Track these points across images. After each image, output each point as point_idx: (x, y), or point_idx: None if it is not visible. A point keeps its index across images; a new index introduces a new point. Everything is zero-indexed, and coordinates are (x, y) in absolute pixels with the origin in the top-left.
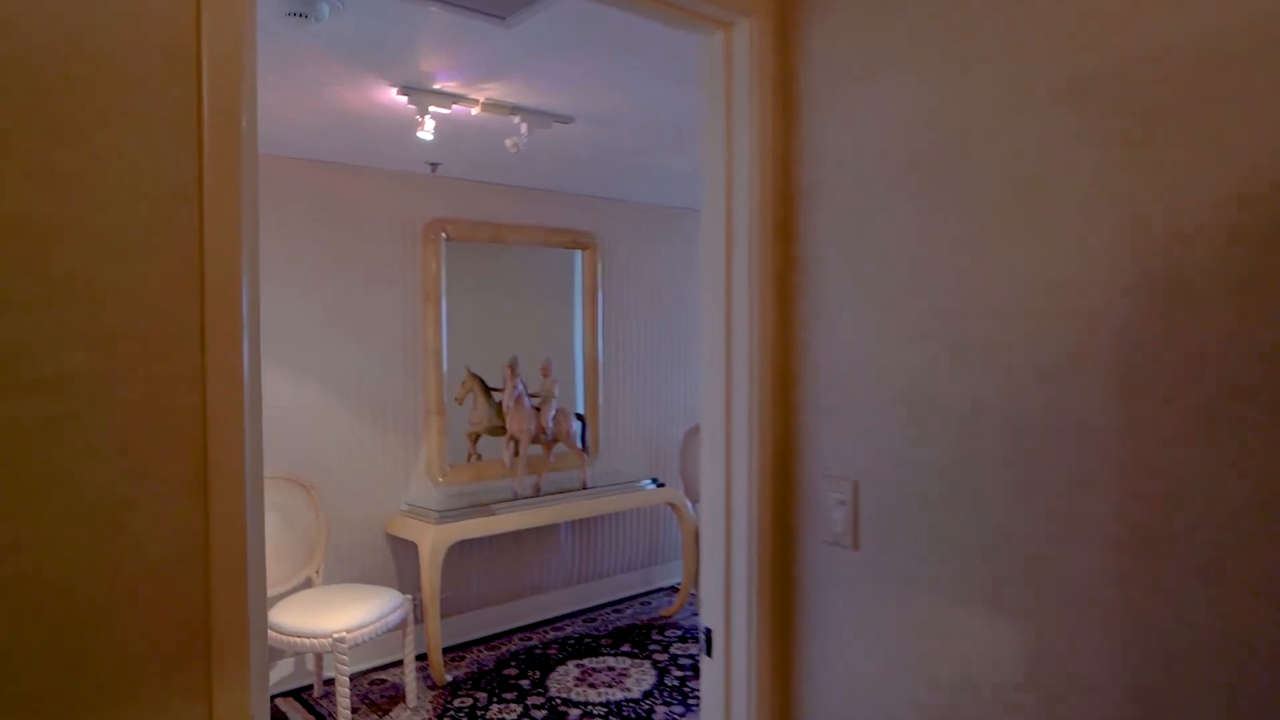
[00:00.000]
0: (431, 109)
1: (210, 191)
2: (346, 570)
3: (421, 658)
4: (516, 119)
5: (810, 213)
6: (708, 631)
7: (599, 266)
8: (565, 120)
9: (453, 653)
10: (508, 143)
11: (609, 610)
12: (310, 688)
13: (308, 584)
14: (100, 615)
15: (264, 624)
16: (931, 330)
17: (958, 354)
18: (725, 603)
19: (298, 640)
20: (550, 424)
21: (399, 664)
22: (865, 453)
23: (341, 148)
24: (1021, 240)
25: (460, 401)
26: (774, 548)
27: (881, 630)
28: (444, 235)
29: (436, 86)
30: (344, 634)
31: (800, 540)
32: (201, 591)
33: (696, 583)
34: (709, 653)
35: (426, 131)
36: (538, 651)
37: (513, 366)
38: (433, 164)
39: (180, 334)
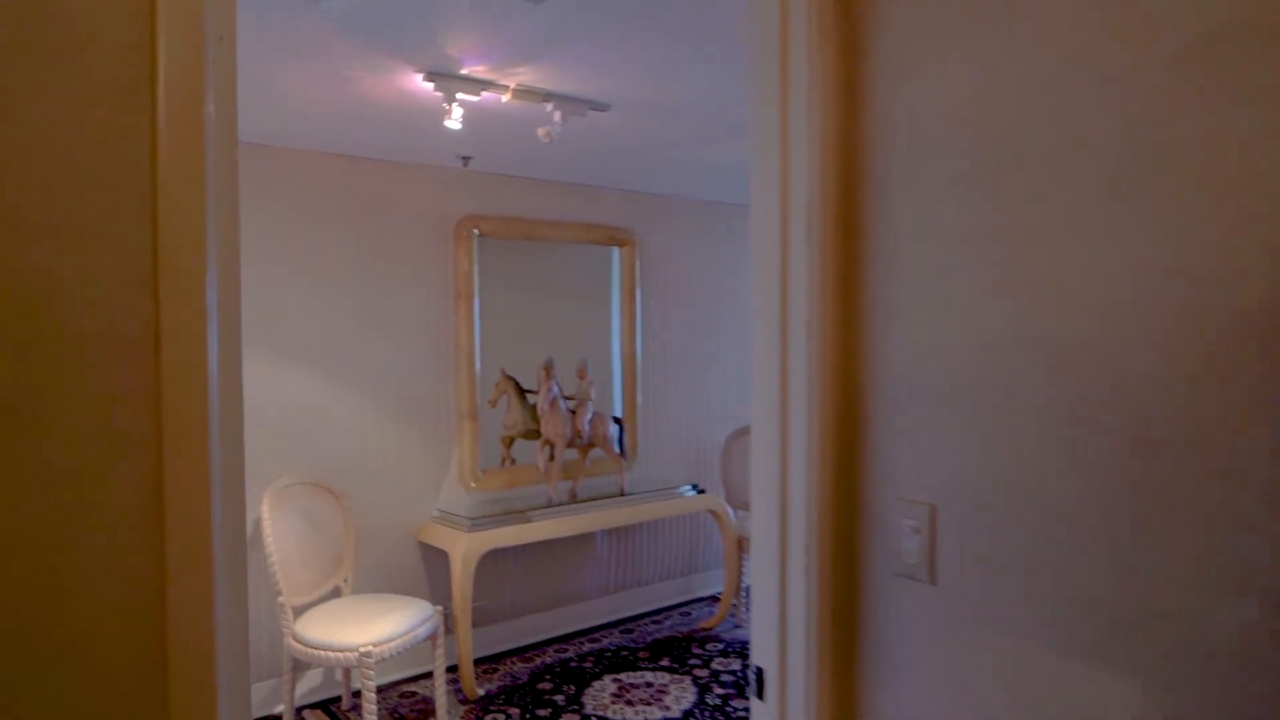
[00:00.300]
0: (459, 96)
1: (168, 171)
2: (376, 579)
3: (453, 669)
4: (549, 106)
5: (879, 200)
6: (759, 671)
7: (637, 264)
8: (601, 107)
9: (485, 664)
10: (540, 132)
11: (647, 621)
12: (339, 699)
13: (336, 593)
14: (28, 681)
15: (245, 682)
16: (1029, 333)
17: (1062, 361)
18: (780, 640)
19: (323, 654)
20: (586, 427)
21: (429, 675)
22: (946, 473)
23: (370, 141)
24: (1146, 225)
25: (493, 404)
26: (835, 579)
27: (961, 679)
28: (476, 232)
29: (464, 72)
30: (370, 648)
31: (866, 571)
32: (155, 652)
33: (738, 593)
34: (760, 695)
35: (454, 120)
36: (573, 664)
37: (548, 368)
38: (464, 158)
39: (128, 337)
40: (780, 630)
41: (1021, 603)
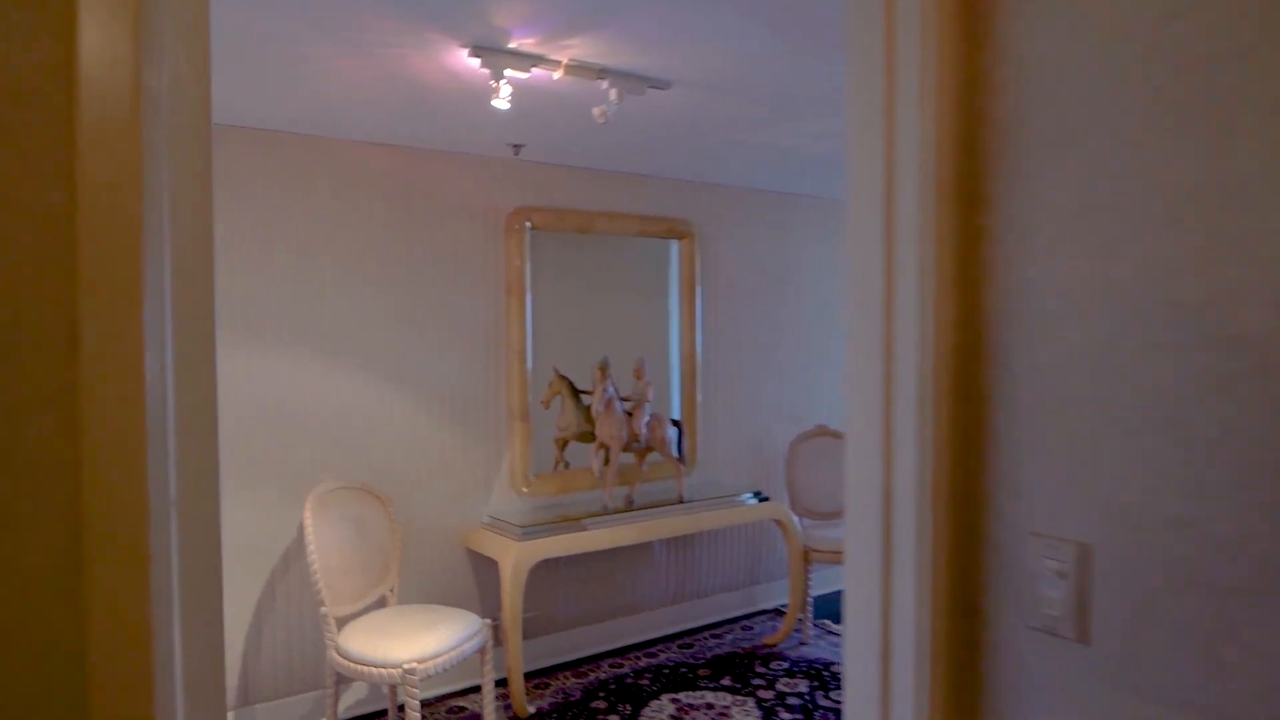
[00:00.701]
0: (508, 73)
1: (91, 134)
2: (423, 588)
3: (502, 683)
4: (605, 84)
5: (1009, 160)
6: None
7: (697, 258)
8: (661, 85)
9: (536, 679)
10: (595, 112)
11: (707, 635)
12: (384, 713)
13: (381, 603)
14: None
15: None
16: (1233, 329)
17: (1275, 367)
18: (882, 703)
19: (366, 669)
20: (644, 430)
21: (477, 690)
22: (1103, 505)
23: (416, 129)
24: None
25: (546, 405)
26: (950, 629)
27: None
28: (528, 225)
29: (512, 45)
30: (414, 665)
31: (991, 622)
32: None
33: (804, 608)
34: None
35: (502, 99)
36: (629, 681)
37: (603, 368)
38: (515, 146)
39: (36, 331)
40: (882, 691)
41: (1216, 676)
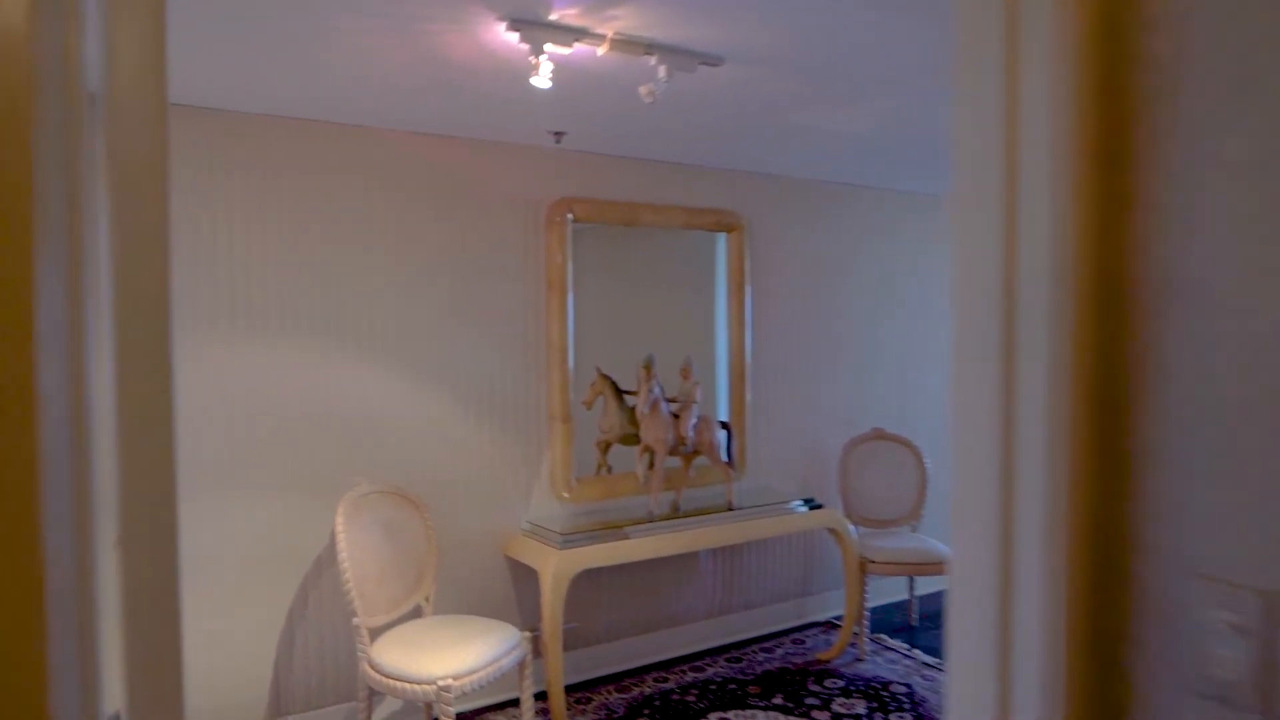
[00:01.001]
0: (548, 49)
1: None
2: (460, 597)
3: (541, 696)
4: (653, 60)
5: (1167, 109)
6: None
7: (746, 252)
8: (713, 62)
9: (577, 692)
10: (643, 91)
11: (756, 648)
12: None
13: (417, 613)
14: None
15: None
16: None
17: None
18: None
19: (399, 684)
20: (691, 433)
21: (516, 703)
22: None
23: (452, 116)
24: None
25: (589, 406)
26: (1085, 690)
27: None
28: (570, 217)
29: (553, 17)
30: (450, 681)
31: (1140, 684)
32: None
33: (860, 621)
34: None
35: (542, 77)
36: (675, 697)
37: (648, 367)
38: (556, 134)
39: None
40: None
41: None
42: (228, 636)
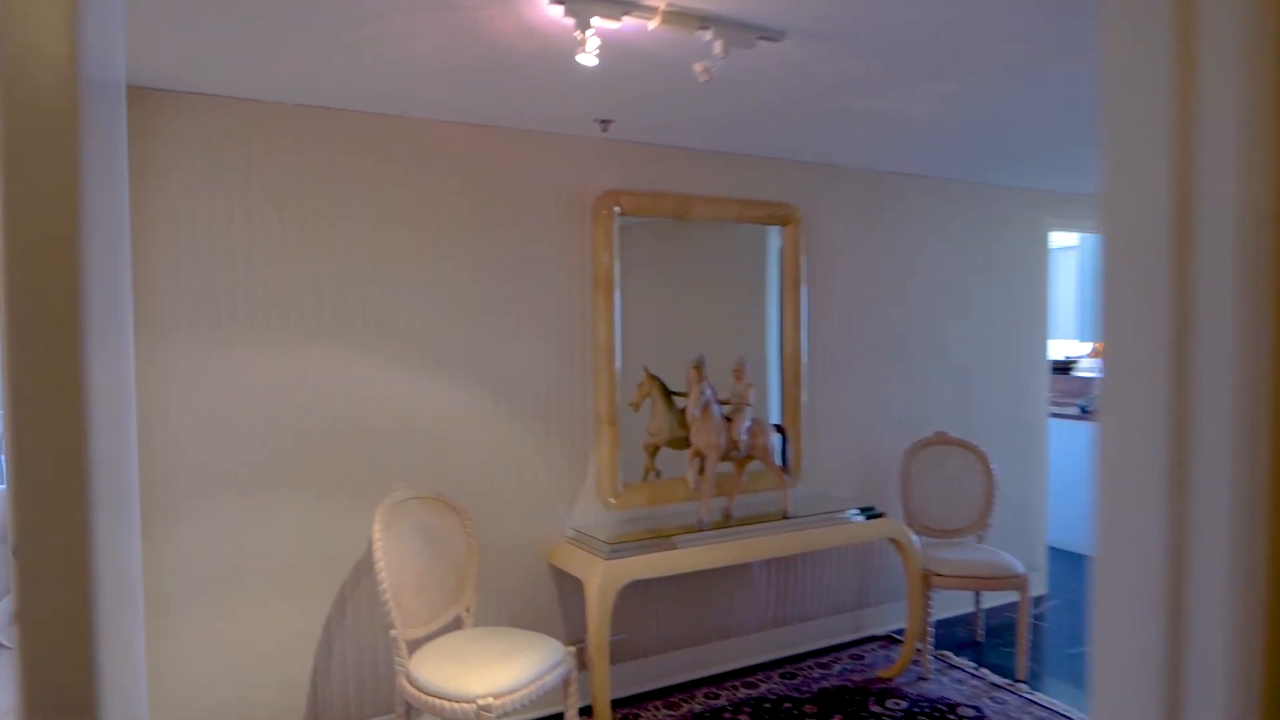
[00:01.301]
0: (595, 22)
1: None
2: (501, 607)
3: (587, 711)
4: (708, 35)
5: None
6: None
7: (802, 246)
8: (773, 36)
9: (625, 708)
10: (697, 68)
11: (811, 664)
12: None
13: (457, 624)
14: None
15: None
16: None
17: None
18: None
19: (437, 702)
20: (744, 437)
21: (560, 718)
22: None
23: (493, 103)
24: None
25: (636, 408)
26: None
27: None
28: (617, 209)
29: None
30: (490, 700)
31: None
32: None
33: (923, 637)
34: None
35: (589, 54)
36: (727, 716)
37: (698, 366)
38: (603, 122)
39: None
40: None
41: None
42: (264, 645)
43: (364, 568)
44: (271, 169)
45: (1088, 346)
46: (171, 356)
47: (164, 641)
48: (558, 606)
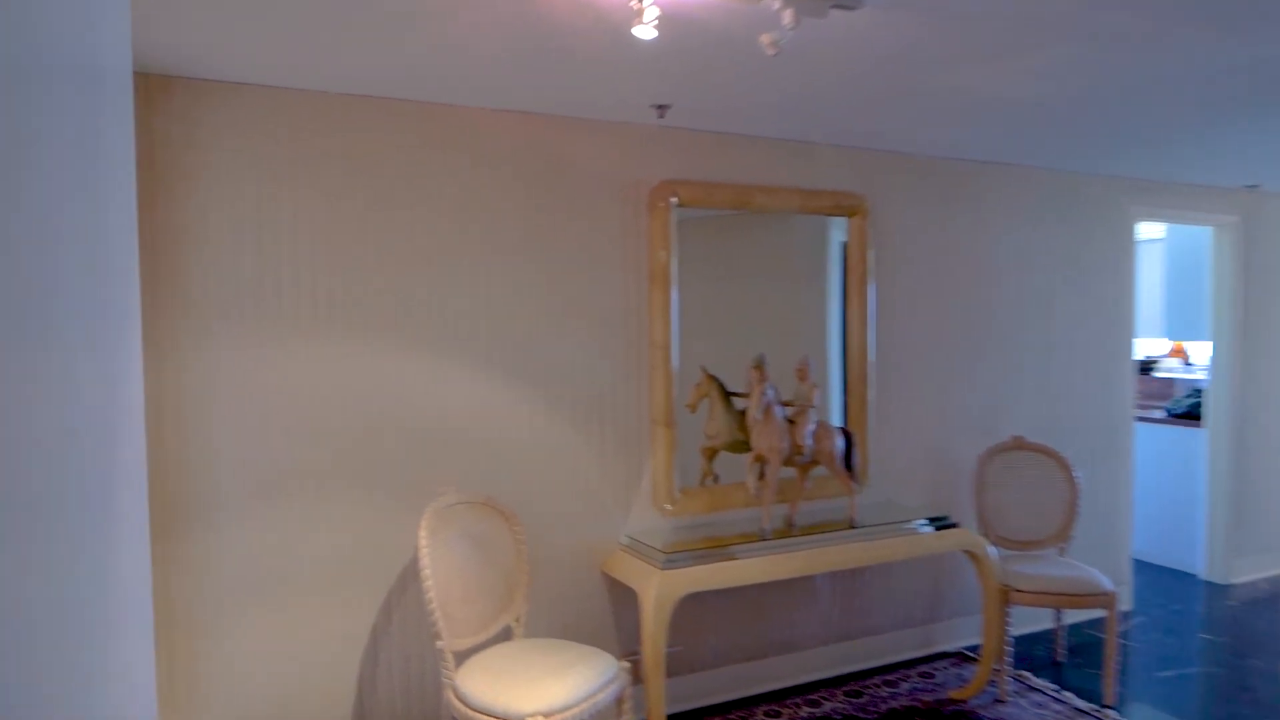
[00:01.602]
0: None
1: None
2: (553, 618)
3: None
4: (776, 4)
5: None
6: None
7: (870, 239)
8: (850, 4)
9: None
10: (764, 40)
11: (878, 681)
12: None
13: (506, 635)
14: None
15: None
16: None
17: None
18: None
19: (484, 718)
20: (808, 441)
21: None
22: None
23: (544, 89)
24: None
25: (693, 409)
26: None
27: None
28: (674, 200)
29: None
30: (540, 719)
31: None
32: None
33: (1001, 656)
34: None
35: (647, 24)
36: None
37: (759, 366)
38: (660, 107)
39: None
40: None
41: None
42: (307, 654)
43: (410, 574)
44: (319, 160)
45: (1168, 345)
46: (216, 356)
47: (208, 646)
48: (610, 617)
